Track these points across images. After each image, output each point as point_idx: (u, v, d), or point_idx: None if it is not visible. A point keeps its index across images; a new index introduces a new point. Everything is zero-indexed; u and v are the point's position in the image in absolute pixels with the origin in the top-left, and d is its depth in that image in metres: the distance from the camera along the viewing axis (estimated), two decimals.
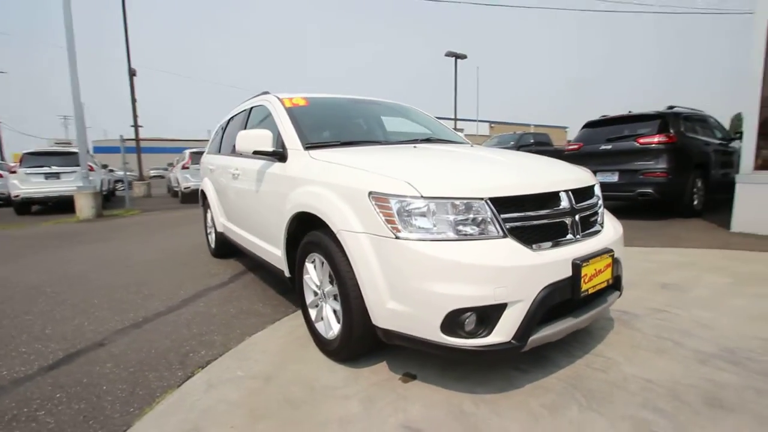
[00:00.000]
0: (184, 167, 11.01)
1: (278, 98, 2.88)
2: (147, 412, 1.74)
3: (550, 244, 1.72)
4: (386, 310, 1.68)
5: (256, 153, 2.52)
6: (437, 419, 1.59)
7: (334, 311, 2.08)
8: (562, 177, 1.92)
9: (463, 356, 1.63)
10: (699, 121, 6.18)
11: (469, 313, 1.55)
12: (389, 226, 1.63)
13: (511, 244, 1.61)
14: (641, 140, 5.55)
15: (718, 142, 6.31)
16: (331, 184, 1.92)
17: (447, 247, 1.56)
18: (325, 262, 2.02)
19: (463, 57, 22.33)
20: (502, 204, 1.65)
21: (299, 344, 2.30)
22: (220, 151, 4.11)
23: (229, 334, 2.49)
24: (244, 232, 3.23)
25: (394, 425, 1.57)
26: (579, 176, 2.03)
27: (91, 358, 2.23)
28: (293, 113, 2.69)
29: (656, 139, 5.48)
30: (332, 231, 1.88)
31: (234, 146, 3.36)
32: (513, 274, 1.55)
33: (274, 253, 2.64)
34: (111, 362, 2.18)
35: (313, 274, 2.20)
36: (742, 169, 4.47)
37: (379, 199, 1.68)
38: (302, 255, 2.24)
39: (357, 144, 2.52)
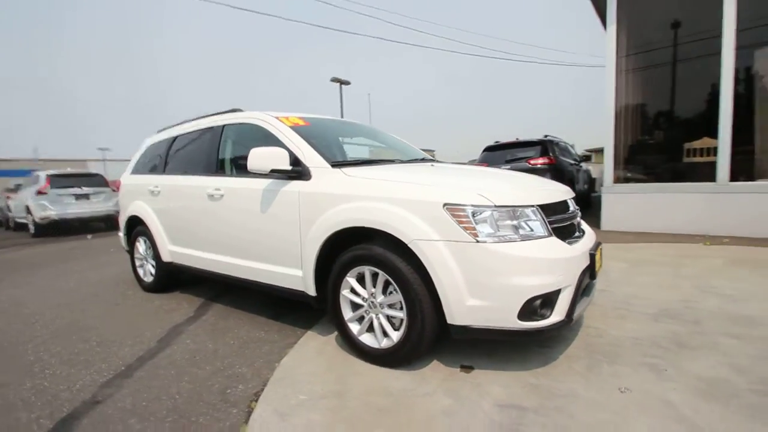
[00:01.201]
0: (39, 192, 8.92)
1: (276, 117, 2.84)
2: None
3: (570, 240, 2.18)
4: (466, 308, 1.89)
5: (274, 171, 2.46)
6: (519, 394, 1.86)
7: (390, 320, 2.18)
8: (564, 188, 2.44)
9: (529, 337, 1.95)
10: (563, 146, 7.91)
11: (539, 300, 1.88)
12: (468, 232, 1.87)
13: (555, 241, 2.01)
14: (531, 161, 6.84)
15: (574, 162, 8.14)
16: (393, 198, 2.06)
17: (517, 246, 1.88)
18: (380, 273, 2.12)
19: (347, 83, 23.36)
20: (544, 210, 2.05)
21: (341, 359, 2.30)
22: (165, 171, 3.68)
23: (253, 365, 2.32)
24: (226, 257, 2.99)
25: (491, 405, 1.78)
26: (569, 188, 2.59)
27: (104, 419, 1.84)
28: (301, 132, 2.70)
29: (541, 160, 6.83)
30: (390, 242, 2.04)
31: (203, 165, 3.15)
32: (564, 264, 1.95)
33: (288, 274, 2.57)
34: (133, 418, 1.85)
35: (358, 287, 2.26)
36: (605, 182, 5.95)
37: (454, 209, 1.91)
38: (342, 270, 2.27)
39: (376, 163, 2.67)
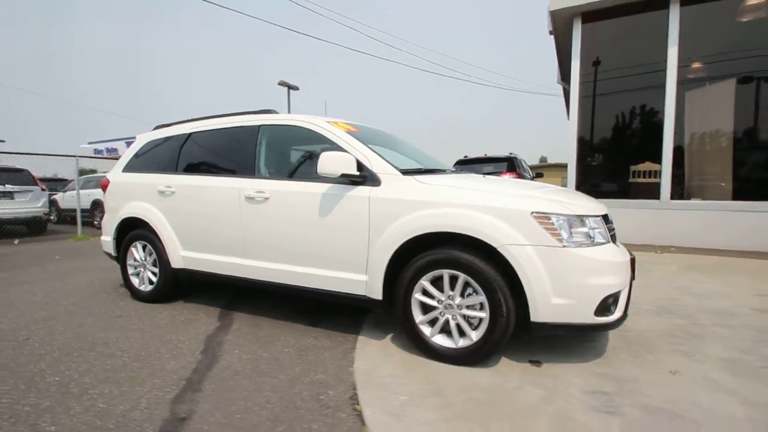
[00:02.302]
0: None
1: (328, 122, 2.85)
2: None
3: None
4: (551, 306, 2.10)
5: (345, 176, 2.49)
6: (595, 382, 2.11)
7: (468, 320, 2.30)
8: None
9: (597, 330, 2.22)
10: (522, 163, 8.66)
11: (611, 298, 2.15)
12: (554, 238, 2.09)
13: (614, 246, 2.32)
14: (502, 175, 7.41)
15: (531, 178, 8.96)
16: (481, 206, 2.21)
17: (595, 250, 2.14)
18: (460, 275, 2.25)
19: (295, 88, 22.96)
20: (602, 219, 2.35)
21: (413, 361, 2.37)
22: (179, 170, 3.42)
23: (327, 371, 2.29)
24: (266, 263, 2.89)
25: (580, 392, 2.00)
26: None
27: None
28: (359, 138, 2.74)
29: (509, 174, 7.43)
30: (468, 246, 2.21)
31: (236, 166, 3.02)
32: (625, 267, 2.26)
33: (350, 279, 2.58)
34: None
35: (433, 290, 2.36)
36: None
37: (540, 217, 2.12)
38: (417, 274, 2.36)
39: (434, 172, 2.79)
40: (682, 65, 5.81)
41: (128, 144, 5.68)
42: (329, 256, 2.66)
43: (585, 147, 6.77)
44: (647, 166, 6.52)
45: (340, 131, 2.77)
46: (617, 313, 2.22)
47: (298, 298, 3.60)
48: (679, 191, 6.12)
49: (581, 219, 2.18)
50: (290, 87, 22.82)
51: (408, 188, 2.44)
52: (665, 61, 5.85)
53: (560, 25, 6.75)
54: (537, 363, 2.33)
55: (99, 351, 2.57)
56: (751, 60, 5.60)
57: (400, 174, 2.52)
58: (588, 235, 2.18)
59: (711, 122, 6.07)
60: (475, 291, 2.25)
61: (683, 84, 5.88)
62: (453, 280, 2.31)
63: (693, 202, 5.92)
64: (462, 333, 2.31)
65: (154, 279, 3.55)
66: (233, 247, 3.05)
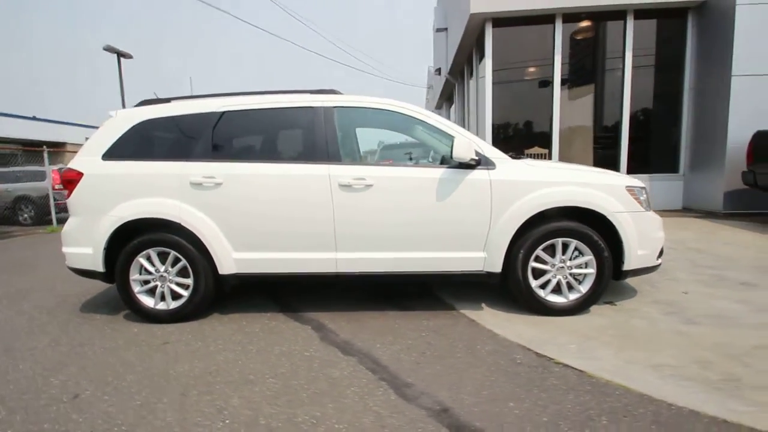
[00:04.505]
0: None
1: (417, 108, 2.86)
2: None
3: None
4: (637, 257, 2.78)
5: (472, 160, 2.62)
6: (662, 308, 2.90)
7: (575, 277, 2.79)
8: None
9: (653, 271, 2.98)
10: None
11: (662, 247, 2.96)
12: (639, 204, 2.76)
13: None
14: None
15: None
16: (591, 183, 2.70)
17: (652, 212, 2.90)
18: (572, 242, 2.72)
19: (129, 56, 18.94)
20: None
21: (531, 319, 2.75)
22: (216, 156, 2.81)
23: (486, 340, 2.47)
24: (365, 253, 2.76)
25: (663, 314, 2.75)
26: None
27: None
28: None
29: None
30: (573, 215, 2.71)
31: (310, 151, 2.81)
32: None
33: (468, 257, 2.77)
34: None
35: (546, 256, 2.76)
36: None
37: (630, 190, 2.75)
38: (534, 244, 2.72)
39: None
40: (563, 66, 7.49)
41: None
42: (447, 238, 2.75)
43: (498, 133, 8.02)
44: (536, 150, 8.19)
45: (440, 117, 2.84)
46: (660, 259, 3.06)
47: (357, 286, 3.51)
48: None
49: (644, 189, 2.92)
50: (120, 54, 18.76)
51: (523, 170, 2.75)
52: (552, 64, 7.43)
53: (472, 26, 7.71)
54: (612, 303, 3.02)
55: (205, 390, 2.08)
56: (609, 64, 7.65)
57: (509, 158, 2.80)
58: (648, 201, 2.94)
59: (576, 116, 8.02)
60: (581, 252, 2.76)
61: (563, 84, 7.58)
62: (564, 246, 2.76)
63: None
64: (570, 288, 2.81)
65: (184, 292, 2.87)
66: (320, 241, 2.77)
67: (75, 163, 2.92)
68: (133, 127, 2.94)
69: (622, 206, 2.73)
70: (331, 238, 2.77)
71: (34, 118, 22.54)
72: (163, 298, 2.90)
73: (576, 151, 7.75)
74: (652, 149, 7.69)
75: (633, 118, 7.41)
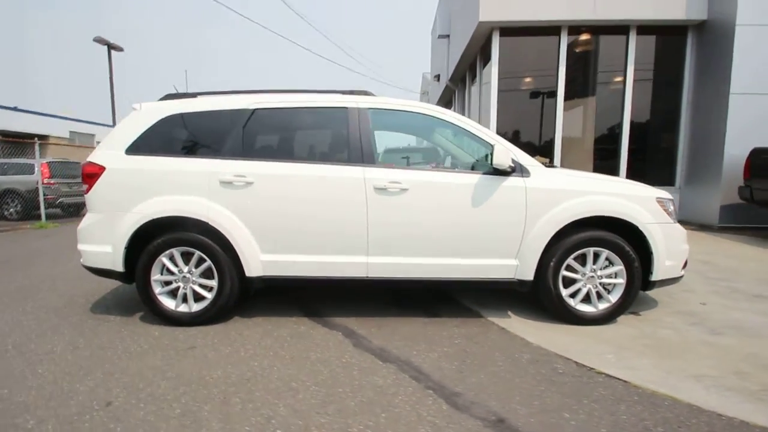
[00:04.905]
0: None
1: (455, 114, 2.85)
2: None
3: None
4: (665, 267, 2.81)
5: (509, 167, 2.61)
6: (675, 316, 2.94)
7: (605, 287, 2.81)
8: None
9: (677, 281, 3.02)
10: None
11: (687, 258, 3.01)
12: (668, 216, 2.80)
13: None
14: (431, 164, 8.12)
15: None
16: (623, 194, 2.73)
17: (679, 224, 2.95)
18: (603, 251, 2.74)
19: (119, 49, 18.50)
20: None
21: (560, 328, 2.75)
22: (246, 155, 2.74)
23: (520, 348, 2.45)
24: (398, 258, 2.72)
25: (680, 322, 2.79)
26: None
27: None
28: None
29: (433, 164, 8.21)
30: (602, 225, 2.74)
31: (345, 152, 2.79)
32: None
33: (499, 265, 2.76)
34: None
35: (576, 265, 2.77)
36: None
37: (660, 201, 2.79)
38: (566, 253, 2.73)
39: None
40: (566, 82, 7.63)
41: None
42: (480, 245, 2.74)
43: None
44: (537, 158, 8.28)
45: (478, 125, 2.83)
46: (684, 270, 3.11)
47: (379, 291, 3.46)
48: None
49: (672, 201, 2.96)
50: (111, 46, 18.32)
51: (558, 179, 2.76)
52: (556, 75, 7.56)
53: (479, 34, 7.79)
54: (636, 313, 3.05)
55: (245, 398, 2.00)
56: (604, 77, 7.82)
57: (543, 167, 2.80)
58: (674, 213, 2.98)
59: (577, 127, 8.17)
60: (611, 262, 2.78)
61: (566, 95, 7.71)
62: (595, 255, 2.78)
63: None
64: (599, 298, 2.82)
65: (208, 294, 2.78)
66: (352, 244, 2.72)
67: (96, 157, 2.80)
68: (159, 121, 2.84)
69: (652, 217, 2.77)
70: (363, 241, 2.72)
71: (15, 109, 21.76)
72: (185, 300, 2.80)
73: (576, 162, 7.86)
74: (649, 161, 7.87)
75: (632, 130, 7.59)
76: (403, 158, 8.01)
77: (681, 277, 2.99)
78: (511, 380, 2.11)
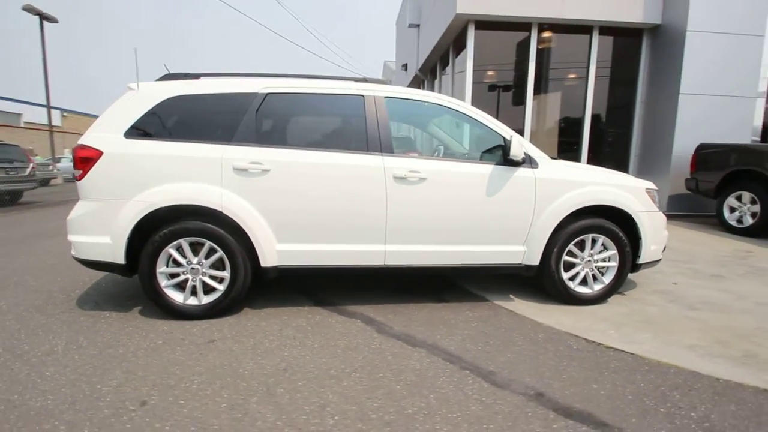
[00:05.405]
0: None
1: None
2: None
3: None
4: (650, 251, 3.10)
5: (508, 159, 2.76)
6: (654, 295, 3.28)
7: (600, 270, 3.04)
8: None
9: (657, 264, 3.34)
10: None
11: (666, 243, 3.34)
12: (654, 205, 3.08)
13: None
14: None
15: None
16: (618, 184, 2.96)
17: (662, 213, 3.25)
18: (600, 237, 2.97)
19: (54, 20, 16.65)
20: None
21: (566, 309, 2.97)
22: (261, 141, 2.64)
23: (529, 331, 2.62)
24: (414, 245, 2.78)
25: (659, 299, 3.11)
26: None
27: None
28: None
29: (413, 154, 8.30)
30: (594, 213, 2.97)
31: (363, 140, 2.80)
32: None
33: (509, 251, 2.91)
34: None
35: (576, 250, 2.98)
36: None
37: (648, 192, 3.06)
38: (569, 239, 2.92)
39: None
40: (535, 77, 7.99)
41: None
42: (493, 232, 2.86)
43: None
44: None
45: (490, 116, 2.93)
46: (664, 252, 3.44)
47: (383, 278, 3.51)
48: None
49: (657, 191, 3.26)
50: (43, 17, 16.48)
51: (563, 170, 2.94)
52: (526, 70, 7.89)
53: (454, 26, 7.91)
54: (622, 293, 3.35)
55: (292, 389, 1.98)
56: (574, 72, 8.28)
57: (549, 158, 2.96)
58: (658, 202, 3.29)
59: (544, 120, 8.61)
60: (606, 247, 3.02)
61: (536, 88, 8.08)
62: (592, 241, 3.00)
63: None
64: (594, 280, 3.06)
65: (219, 286, 2.67)
66: (370, 233, 2.73)
67: (90, 140, 2.56)
68: (161, 103, 2.64)
69: (642, 206, 3.04)
70: (381, 230, 2.74)
71: None
72: (193, 292, 2.67)
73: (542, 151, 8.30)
74: (605, 154, 8.49)
75: (593, 124, 8.14)
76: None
77: (660, 260, 3.31)
78: (536, 357, 2.26)
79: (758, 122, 7.47)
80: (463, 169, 2.83)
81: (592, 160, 8.10)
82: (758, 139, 7.61)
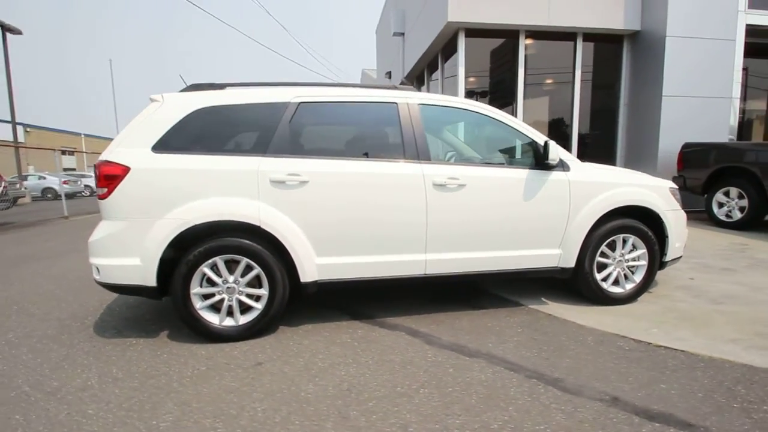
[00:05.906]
0: None
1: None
2: None
3: None
4: (675, 248, 3.18)
5: (541, 163, 2.79)
6: (679, 290, 3.36)
7: (630, 269, 3.09)
8: None
9: (678, 261, 3.44)
10: None
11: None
12: (678, 204, 3.17)
13: None
14: None
15: None
16: (645, 185, 3.03)
17: (683, 212, 3.35)
18: (630, 237, 3.02)
19: (17, 32, 15.85)
20: None
21: (601, 309, 2.99)
22: (296, 152, 2.54)
23: (570, 334, 2.62)
24: (454, 253, 2.74)
25: (686, 296, 3.19)
26: None
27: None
28: None
29: None
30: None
31: (397, 148, 2.76)
32: None
33: (545, 254, 2.92)
34: None
35: (608, 251, 3.02)
36: None
37: (672, 191, 3.15)
38: (601, 240, 2.96)
39: None
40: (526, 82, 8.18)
41: None
42: (530, 237, 2.86)
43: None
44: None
45: (522, 123, 2.94)
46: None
47: (416, 288, 3.45)
48: None
49: (678, 190, 3.35)
50: (6, 28, 15.69)
51: (594, 172, 2.98)
52: (516, 75, 8.07)
53: (444, 34, 8.01)
54: (648, 291, 3.41)
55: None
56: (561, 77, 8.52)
57: (579, 161, 3.00)
58: (680, 200, 3.38)
59: (533, 125, 8.80)
60: (635, 247, 3.08)
61: (525, 93, 8.27)
62: (623, 241, 3.05)
63: None
64: (627, 278, 3.11)
65: (257, 305, 2.54)
66: (411, 242, 2.67)
67: (115, 155, 2.40)
68: (190, 115, 2.51)
69: (667, 205, 3.12)
70: (422, 239, 2.69)
71: None
72: (230, 312, 2.53)
73: None
74: (592, 156, 8.76)
75: (580, 127, 8.39)
76: None
77: (681, 256, 3.41)
78: (594, 361, 2.25)
79: (734, 122, 7.90)
80: (500, 174, 2.82)
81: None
82: (734, 137, 8.04)
